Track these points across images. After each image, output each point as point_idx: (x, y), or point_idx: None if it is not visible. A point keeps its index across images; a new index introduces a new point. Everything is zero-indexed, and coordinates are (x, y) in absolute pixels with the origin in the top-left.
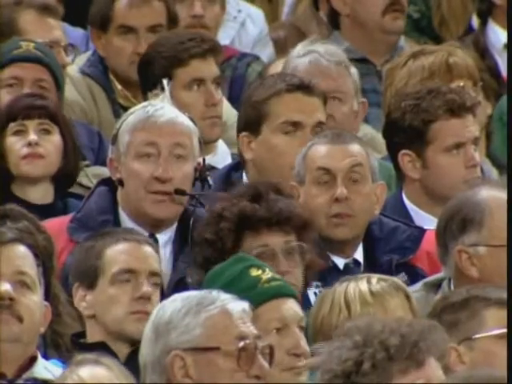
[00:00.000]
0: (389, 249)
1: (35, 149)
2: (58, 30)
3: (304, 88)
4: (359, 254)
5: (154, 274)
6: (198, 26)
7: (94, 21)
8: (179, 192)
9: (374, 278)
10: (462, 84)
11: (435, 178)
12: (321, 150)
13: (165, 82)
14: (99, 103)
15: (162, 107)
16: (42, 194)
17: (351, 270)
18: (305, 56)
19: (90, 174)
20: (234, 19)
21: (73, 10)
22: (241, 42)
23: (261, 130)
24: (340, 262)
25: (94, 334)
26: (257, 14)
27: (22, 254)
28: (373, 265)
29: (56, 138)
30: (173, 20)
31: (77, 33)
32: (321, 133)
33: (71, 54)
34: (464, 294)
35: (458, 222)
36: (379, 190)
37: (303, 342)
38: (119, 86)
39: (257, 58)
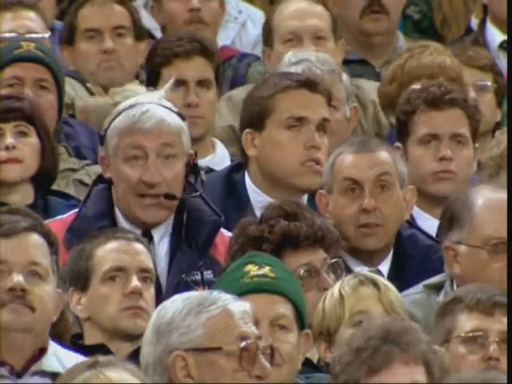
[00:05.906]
0: (423, 270)
1: (13, 153)
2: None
3: (309, 84)
4: (384, 266)
5: (144, 270)
6: (195, 22)
7: (64, 37)
8: (169, 197)
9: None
10: None
11: (411, 170)
12: (347, 160)
13: (171, 80)
14: None
15: (148, 109)
16: (22, 195)
17: None
18: (297, 65)
19: (92, 173)
20: (235, 20)
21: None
22: (241, 42)
23: (265, 126)
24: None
25: (91, 337)
26: (257, 14)
27: (34, 243)
28: (402, 282)
29: (33, 140)
30: (139, 33)
31: None
32: (323, 129)
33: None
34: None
35: (447, 219)
36: (409, 194)
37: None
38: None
39: (257, 58)
